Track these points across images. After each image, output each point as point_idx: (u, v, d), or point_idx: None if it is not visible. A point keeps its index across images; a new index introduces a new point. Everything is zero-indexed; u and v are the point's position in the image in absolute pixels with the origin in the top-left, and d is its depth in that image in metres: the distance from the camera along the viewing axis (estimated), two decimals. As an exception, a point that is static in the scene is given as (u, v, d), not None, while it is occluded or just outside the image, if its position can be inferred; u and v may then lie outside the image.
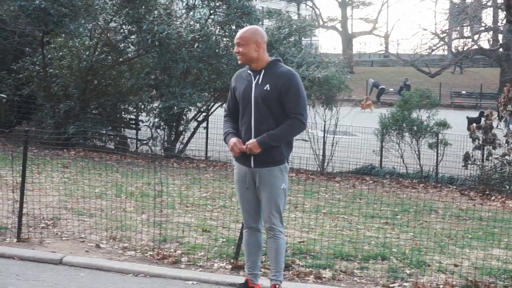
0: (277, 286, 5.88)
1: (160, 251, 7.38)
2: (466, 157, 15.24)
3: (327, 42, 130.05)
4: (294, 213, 9.82)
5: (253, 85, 5.77)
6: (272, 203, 5.77)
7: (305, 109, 5.81)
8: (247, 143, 5.67)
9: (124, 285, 6.31)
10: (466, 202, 12.52)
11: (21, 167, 7.91)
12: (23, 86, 17.84)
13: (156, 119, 17.34)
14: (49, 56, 17.27)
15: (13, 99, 18.11)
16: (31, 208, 8.47)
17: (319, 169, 16.45)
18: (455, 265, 7.46)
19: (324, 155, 16.71)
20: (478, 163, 15.14)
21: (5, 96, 18.21)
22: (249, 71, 5.86)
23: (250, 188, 5.85)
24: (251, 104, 5.75)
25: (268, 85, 5.70)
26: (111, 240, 7.79)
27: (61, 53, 17.30)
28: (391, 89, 44.71)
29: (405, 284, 6.78)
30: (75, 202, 9.52)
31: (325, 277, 6.85)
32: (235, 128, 5.94)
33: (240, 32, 5.92)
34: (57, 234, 7.96)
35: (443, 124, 16.63)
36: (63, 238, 7.80)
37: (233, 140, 5.77)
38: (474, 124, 18.38)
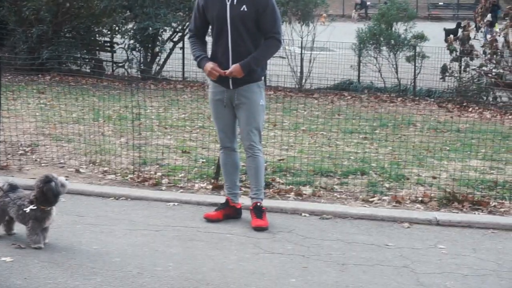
0: (258, 203, 5.93)
1: (140, 174, 7.39)
2: (444, 69, 15.28)
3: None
4: (273, 131, 9.84)
5: (228, 6, 5.62)
6: (251, 119, 5.76)
7: (280, 28, 5.78)
8: (230, 69, 5.59)
9: (106, 208, 6.33)
10: (444, 115, 12.59)
11: (-5, 95, 7.82)
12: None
13: (131, 41, 17.13)
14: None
15: (-16, 25, 17.79)
16: (8, 135, 8.43)
17: (297, 86, 16.42)
18: (434, 178, 7.56)
19: (302, 72, 16.67)
20: (456, 75, 15.18)
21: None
22: None
23: (228, 107, 5.82)
24: (227, 25, 5.63)
25: (244, 6, 5.58)
26: (91, 164, 7.79)
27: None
28: (369, 3, 44.37)
29: (384, 197, 6.87)
30: (53, 128, 9.46)
31: (305, 194, 6.91)
32: (204, 51, 5.88)
33: None
34: (35, 160, 7.94)
35: (421, 37, 16.61)
36: (42, 165, 7.79)
37: (210, 65, 5.69)
38: (452, 36, 18.31)
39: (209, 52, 5.93)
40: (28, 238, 5.12)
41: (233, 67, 5.58)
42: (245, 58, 5.65)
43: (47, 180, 5.11)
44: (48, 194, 5.08)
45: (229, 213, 6.03)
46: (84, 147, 8.39)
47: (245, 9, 5.57)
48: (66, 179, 5.39)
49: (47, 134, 9.14)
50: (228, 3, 5.62)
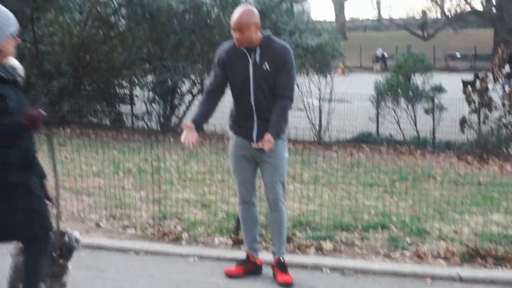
0: (281, 258, 5.89)
1: (160, 228, 7.37)
2: (463, 121, 15.25)
3: (319, 8, 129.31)
4: (292, 184, 9.80)
5: (251, 65, 5.61)
6: (276, 173, 5.73)
7: (293, 87, 5.81)
8: (269, 146, 5.54)
9: (126, 263, 6.32)
10: (464, 167, 12.53)
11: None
12: (14, 64, 17.73)
13: (151, 93, 17.28)
14: (39, 33, 17.15)
15: (5, 78, 18.01)
16: (29, 189, 8.46)
17: (315, 139, 16.45)
18: (455, 232, 7.48)
19: (320, 124, 16.71)
20: (475, 126, 15.15)
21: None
22: (242, 49, 5.63)
23: (250, 160, 5.82)
24: (250, 84, 5.62)
25: (267, 64, 5.58)
26: (111, 218, 7.78)
27: (51, 29, 17.21)
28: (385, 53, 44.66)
29: (406, 252, 6.80)
30: (73, 181, 9.49)
31: (326, 249, 6.85)
32: (205, 111, 5.85)
33: (237, 17, 5.58)
34: (55, 214, 7.94)
35: (438, 89, 16.63)
36: (63, 219, 7.78)
37: (184, 134, 5.65)
38: (470, 87, 18.36)
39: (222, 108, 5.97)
40: None
41: (269, 144, 5.54)
42: (267, 115, 5.63)
43: (61, 234, 5.02)
44: (62, 248, 4.98)
45: (249, 269, 5.98)
46: (104, 200, 8.39)
47: (268, 68, 5.57)
48: (80, 234, 5.29)
49: (67, 188, 9.15)
50: (251, 62, 5.61)
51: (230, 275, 5.91)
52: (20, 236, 4.50)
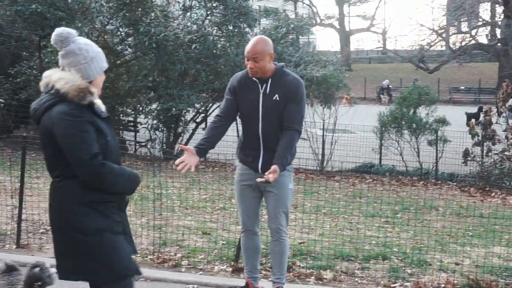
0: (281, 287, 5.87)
1: (160, 255, 7.36)
2: (466, 154, 15.23)
3: (325, 40, 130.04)
4: (294, 213, 9.78)
5: (261, 95, 5.61)
6: (280, 203, 5.71)
7: (302, 120, 5.79)
8: (274, 177, 5.37)
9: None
10: (467, 199, 12.49)
11: (19, 173, 7.89)
12: (20, 90, 17.82)
13: (155, 121, 17.32)
14: (46, 60, 17.21)
15: (11, 104, 18.11)
16: (30, 213, 8.44)
17: (318, 168, 16.43)
18: (456, 264, 7.44)
19: (323, 154, 16.70)
20: (478, 159, 15.13)
21: (2, 100, 18.23)
22: (254, 78, 5.63)
23: (255, 190, 5.81)
24: (259, 114, 5.62)
25: (277, 96, 5.57)
26: (111, 244, 7.76)
27: (58, 57, 17.26)
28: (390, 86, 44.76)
29: (406, 284, 6.77)
30: (75, 207, 9.49)
31: (326, 278, 6.83)
32: (216, 138, 5.82)
33: (253, 46, 5.57)
34: (56, 239, 7.93)
35: (442, 121, 16.61)
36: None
37: (183, 157, 5.64)
38: (473, 120, 18.42)
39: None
40: None
41: (275, 174, 5.39)
42: (274, 146, 5.59)
43: (34, 266, 4.83)
44: (32, 279, 4.77)
45: None
46: (105, 226, 8.38)
47: (277, 98, 5.56)
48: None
49: (68, 213, 9.16)
50: (261, 92, 5.61)
51: None
52: None
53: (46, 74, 4.22)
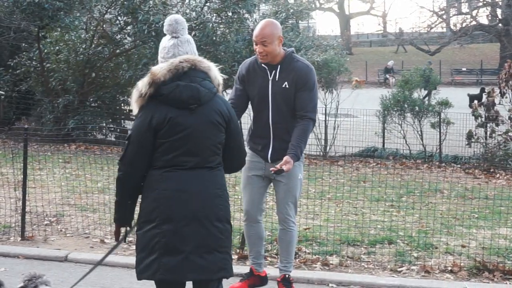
0: (287, 276, 5.86)
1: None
2: (469, 135, 15.20)
3: (325, 24, 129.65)
4: (298, 200, 9.78)
5: (270, 81, 5.53)
6: (289, 193, 5.68)
7: (316, 107, 5.67)
8: (287, 167, 5.30)
9: (131, 279, 6.27)
10: (471, 181, 12.49)
11: (22, 165, 7.89)
12: (20, 82, 17.82)
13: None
14: (45, 50, 17.21)
15: (11, 95, 18.10)
16: (34, 205, 8.45)
17: (321, 154, 16.41)
18: (463, 246, 7.44)
19: (326, 139, 16.68)
20: (482, 140, 15.08)
21: (3, 92, 18.19)
22: (263, 65, 5.54)
23: (264, 179, 5.77)
24: (268, 101, 5.55)
25: (286, 83, 5.49)
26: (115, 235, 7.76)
27: (57, 47, 17.24)
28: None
29: (413, 267, 6.77)
30: (78, 198, 9.51)
31: (332, 264, 6.84)
32: None
33: (261, 29, 5.44)
34: (61, 231, 7.95)
35: (445, 103, 16.57)
36: (68, 235, 7.79)
37: None
38: (476, 101, 18.33)
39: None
40: None
41: (288, 165, 5.31)
42: (284, 135, 5.54)
43: (29, 278, 4.40)
44: None
45: (254, 282, 5.96)
46: (109, 217, 8.37)
47: (287, 86, 5.48)
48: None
49: (72, 204, 9.17)
50: (270, 79, 5.53)
51: None
52: None
53: (190, 57, 4.08)
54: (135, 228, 4.20)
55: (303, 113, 5.49)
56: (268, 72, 5.54)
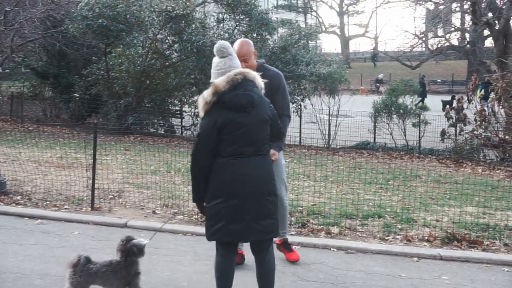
0: (286, 239, 5.83)
1: (202, 216, 7.35)
2: (443, 133, 15.05)
3: (329, 44, 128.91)
4: (307, 182, 9.77)
5: None
6: (279, 177, 5.38)
7: (289, 105, 5.54)
8: (272, 158, 5.02)
9: (176, 242, 6.31)
10: (444, 169, 12.38)
11: (92, 151, 7.94)
12: (91, 87, 17.93)
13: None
14: (110, 63, 17.30)
15: (84, 97, 18.22)
16: (101, 183, 8.51)
17: (325, 146, 16.35)
18: (437, 220, 7.38)
19: (329, 134, 16.62)
20: (452, 137, 14.94)
21: (77, 95, 18.33)
22: None
23: None
24: None
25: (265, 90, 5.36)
26: (165, 207, 7.79)
27: (120, 60, 17.32)
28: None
29: (397, 236, 6.72)
30: (135, 178, 9.55)
31: (333, 233, 6.80)
32: None
33: (240, 48, 5.16)
34: (122, 203, 7.98)
35: (424, 107, 16.48)
36: (127, 207, 7.83)
37: None
38: (448, 106, 18.19)
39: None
40: None
41: (274, 156, 5.19)
42: None
43: (129, 239, 4.40)
44: (132, 250, 4.33)
45: (237, 261, 5.38)
46: (159, 193, 8.42)
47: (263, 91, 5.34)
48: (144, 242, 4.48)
49: (130, 183, 9.21)
50: None
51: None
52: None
53: (241, 71, 4.19)
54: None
55: (280, 112, 5.21)
56: None
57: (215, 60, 4.31)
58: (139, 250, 4.35)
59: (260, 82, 4.25)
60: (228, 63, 4.23)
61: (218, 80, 4.13)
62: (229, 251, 4.26)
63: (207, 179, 4.14)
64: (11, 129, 16.25)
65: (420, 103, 19.76)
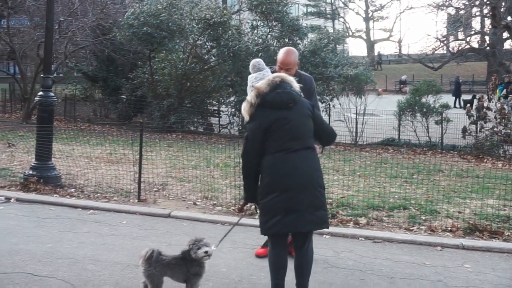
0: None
1: (239, 206, 7.35)
2: (464, 130, 14.78)
3: (356, 48, 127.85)
4: (336, 176, 9.70)
5: None
6: None
7: (319, 107, 5.57)
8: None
9: (215, 231, 6.32)
10: (466, 164, 12.15)
11: (138, 148, 8.02)
12: (137, 89, 18.12)
13: (233, 109, 17.38)
14: (154, 67, 17.46)
15: (130, 99, 18.43)
16: (146, 177, 8.58)
17: (353, 142, 16.22)
18: (459, 212, 7.25)
19: (356, 132, 16.47)
20: (473, 134, 14.66)
21: (124, 97, 18.55)
22: None
23: None
24: None
25: (302, 92, 5.29)
26: (204, 199, 7.83)
27: (163, 65, 17.46)
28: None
29: (421, 227, 6.63)
30: (178, 172, 9.61)
31: (361, 223, 6.74)
32: None
33: (287, 57, 4.95)
34: (165, 195, 8.04)
35: (446, 106, 16.20)
36: (170, 198, 7.88)
37: None
38: (469, 105, 17.87)
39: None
40: None
41: (318, 150, 4.82)
42: None
43: (193, 241, 4.23)
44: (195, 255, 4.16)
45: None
46: (200, 186, 8.46)
47: (303, 94, 5.17)
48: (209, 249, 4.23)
49: (173, 176, 9.28)
50: None
51: (261, 256, 5.41)
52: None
53: (279, 74, 4.26)
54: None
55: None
56: None
57: (251, 76, 4.57)
58: (200, 257, 4.17)
59: (296, 85, 4.23)
60: (264, 74, 4.46)
61: (259, 83, 4.17)
62: (282, 243, 4.21)
63: (257, 178, 4.12)
64: (65, 128, 16.53)
65: (458, 101, 19.02)
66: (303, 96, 4.46)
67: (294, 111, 4.09)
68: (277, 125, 4.03)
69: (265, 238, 5.41)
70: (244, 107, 4.13)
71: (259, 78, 4.52)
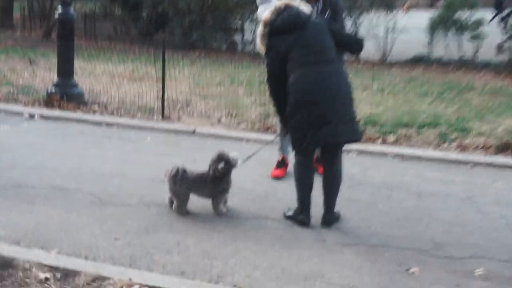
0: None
1: (264, 124, 7.38)
2: (500, 46, 14.34)
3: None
4: (364, 92, 9.57)
5: (314, 13, 4.82)
6: None
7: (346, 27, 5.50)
8: None
9: (240, 149, 6.34)
10: (501, 81, 11.86)
11: (161, 65, 7.98)
12: (157, 4, 17.83)
13: (256, 26, 17.03)
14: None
15: (151, 15, 18.19)
16: (170, 94, 8.57)
17: (382, 60, 15.90)
18: (491, 130, 7.15)
19: (385, 49, 16.11)
20: (509, 50, 14.21)
21: (144, 14, 18.30)
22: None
23: None
24: None
25: (327, 13, 5.02)
26: (229, 116, 7.84)
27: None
28: None
29: (452, 144, 6.58)
30: (201, 89, 9.59)
31: (390, 140, 6.72)
32: None
33: None
34: (189, 112, 8.06)
35: (478, 23, 15.62)
36: (194, 116, 7.91)
37: None
38: (505, 19, 17.22)
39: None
40: (215, 211, 4.42)
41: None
42: None
43: (222, 152, 4.39)
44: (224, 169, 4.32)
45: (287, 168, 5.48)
46: (224, 103, 8.45)
47: (328, 16, 5.01)
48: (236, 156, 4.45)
49: (197, 94, 9.27)
50: (314, 11, 4.90)
51: (279, 177, 5.39)
52: None
53: (283, 1, 4.28)
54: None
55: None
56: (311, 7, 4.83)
57: (259, 12, 4.77)
58: (220, 171, 4.29)
59: (304, 8, 4.25)
60: (271, 6, 4.36)
61: (264, 14, 4.29)
62: (309, 160, 4.26)
63: (284, 95, 4.14)
64: (86, 45, 16.47)
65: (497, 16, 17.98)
66: (329, 16, 4.65)
67: (307, 30, 4.13)
68: (294, 45, 4.09)
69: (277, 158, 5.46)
70: (258, 43, 4.29)
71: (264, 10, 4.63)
